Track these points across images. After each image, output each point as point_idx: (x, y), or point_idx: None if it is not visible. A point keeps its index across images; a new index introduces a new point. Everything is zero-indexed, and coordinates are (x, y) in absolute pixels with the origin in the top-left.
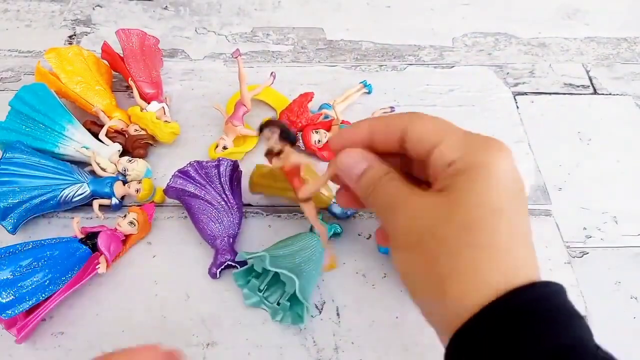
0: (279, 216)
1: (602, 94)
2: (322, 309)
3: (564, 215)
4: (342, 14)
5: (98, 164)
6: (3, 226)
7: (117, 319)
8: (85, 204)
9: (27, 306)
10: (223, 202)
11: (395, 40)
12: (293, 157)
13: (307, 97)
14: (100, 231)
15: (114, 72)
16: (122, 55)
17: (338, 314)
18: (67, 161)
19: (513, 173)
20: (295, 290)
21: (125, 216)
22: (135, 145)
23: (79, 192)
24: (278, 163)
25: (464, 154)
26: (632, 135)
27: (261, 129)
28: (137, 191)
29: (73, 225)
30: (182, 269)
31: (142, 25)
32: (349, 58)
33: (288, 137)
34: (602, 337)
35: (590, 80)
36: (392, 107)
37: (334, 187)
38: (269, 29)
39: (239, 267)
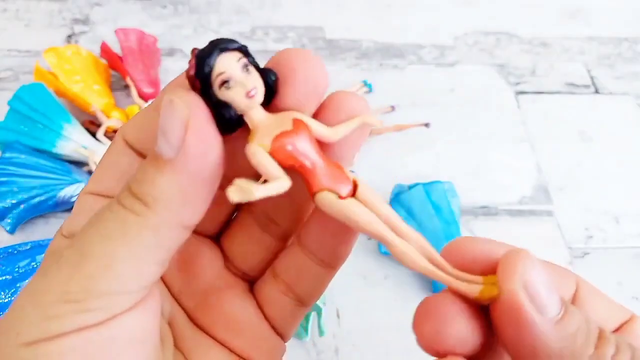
0: None
1: (604, 94)
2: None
3: (565, 215)
4: (342, 12)
5: (96, 164)
6: (1, 226)
7: None
8: None
9: None
10: None
11: (396, 39)
12: (309, 123)
13: None
14: None
15: (112, 72)
16: (120, 54)
17: (338, 316)
18: (66, 161)
19: None
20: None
21: None
22: None
23: (77, 192)
24: (264, 140)
25: None
26: (634, 135)
27: (203, 57)
28: None
29: None
30: None
31: (140, 24)
32: (349, 57)
33: (268, 79)
34: None
35: (592, 79)
36: (392, 107)
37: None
38: (268, 28)
39: None
